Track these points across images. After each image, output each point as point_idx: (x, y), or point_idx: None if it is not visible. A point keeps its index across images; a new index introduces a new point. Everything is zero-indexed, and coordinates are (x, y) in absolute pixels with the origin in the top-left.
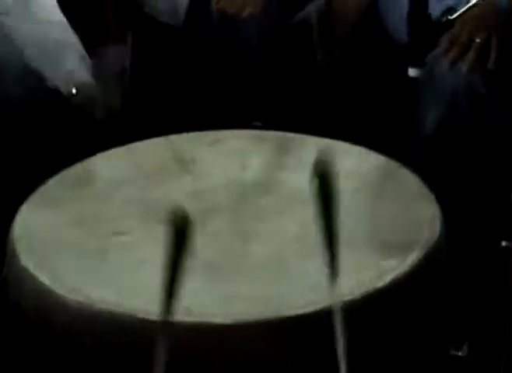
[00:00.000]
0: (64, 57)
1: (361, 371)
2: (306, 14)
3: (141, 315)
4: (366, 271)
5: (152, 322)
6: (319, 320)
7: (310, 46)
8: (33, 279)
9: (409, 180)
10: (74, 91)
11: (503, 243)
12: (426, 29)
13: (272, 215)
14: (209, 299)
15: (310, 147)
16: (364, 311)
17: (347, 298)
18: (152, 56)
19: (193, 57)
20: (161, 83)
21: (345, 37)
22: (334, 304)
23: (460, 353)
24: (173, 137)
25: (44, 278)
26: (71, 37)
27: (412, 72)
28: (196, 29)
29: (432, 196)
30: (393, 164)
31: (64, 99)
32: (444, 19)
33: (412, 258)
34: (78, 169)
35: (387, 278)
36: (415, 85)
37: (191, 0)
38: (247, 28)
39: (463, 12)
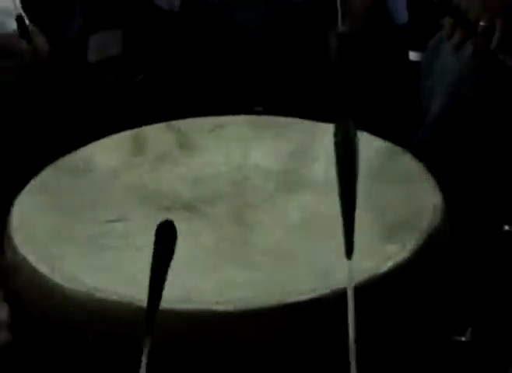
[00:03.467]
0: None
1: (363, 357)
2: None
3: (138, 303)
4: (368, 257)
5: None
6: (321, 307)
7: (311, 28)
8: (32, 268)
9: (411, 165)
10: None
11: (506, 227)
12: (426, 12)
13: (274, 202)
14: (210, 287)
15: (311, 132)
16: (366, 297)
17: (342, 286)
18: (149, 41)
19: (191, 41)
20: (160, 68)
21: (361, 21)
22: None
23: (463, 339)
24: (173, 123)
25: (42, 267)
26: None
27: (412, 56)
28: (194, 13)
29: (434, 182)
30: (395, 148)
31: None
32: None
33: (414, 243)
34: (75, 156)
35: (389, 264)
36: (415, 68)
37: None
38: (247, 12)
39: None
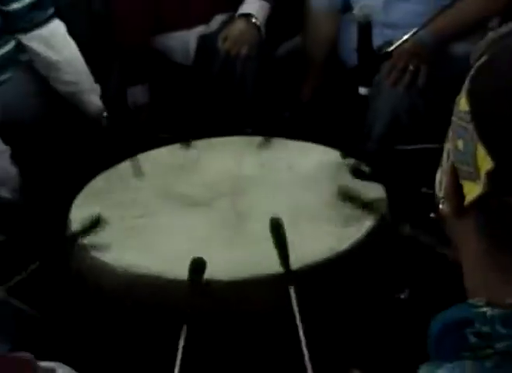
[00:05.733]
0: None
1: (327, 318)
2: (287, 48)
3: (169, 276)
4: (329, 238)
5: (179, 282)
6: (305, 276)
7: (290, 75)
8: (87, 252)
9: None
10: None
11: (423, 189)
12: (371, 58)
13: (264, 200)
14: (218, 262)
15: (288, 148)
16: (328, 271)
17: (312, 260)
18: (167, 89)
19: (202, 87)
20: (175, 106)
21: (320, 68)
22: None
23: (402, 296)
24: (189, 143)
25: (95, 251)
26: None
27: (361, 91)
28: (204, 65)
29: (379, 183)
30: (349, 159)
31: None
32: (384, 50)
33: (367, 226)
34: (118, 168)
35: (347, 243)
36: (364, 100)
37: (199, 42)
38: (244, 63)
39: (398, 46)
